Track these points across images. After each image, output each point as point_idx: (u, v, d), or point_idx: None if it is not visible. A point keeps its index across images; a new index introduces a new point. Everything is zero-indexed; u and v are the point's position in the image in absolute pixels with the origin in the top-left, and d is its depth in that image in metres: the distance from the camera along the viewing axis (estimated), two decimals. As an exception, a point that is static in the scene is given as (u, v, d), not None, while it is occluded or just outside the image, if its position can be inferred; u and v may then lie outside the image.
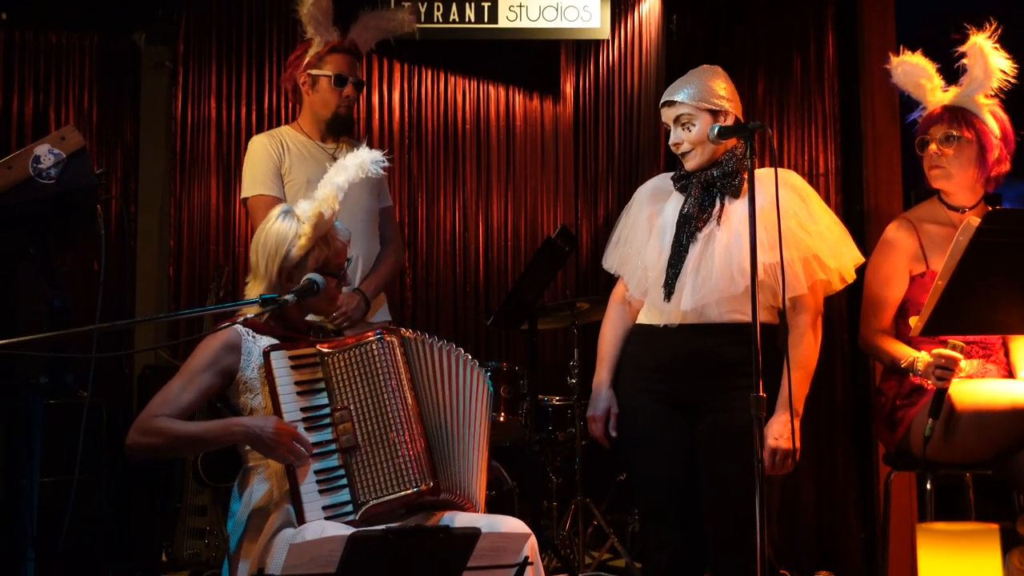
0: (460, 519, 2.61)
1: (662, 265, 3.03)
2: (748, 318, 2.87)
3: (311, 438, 2.53)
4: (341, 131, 3.82)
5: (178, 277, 5.56)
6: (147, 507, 4.64)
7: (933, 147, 3.31)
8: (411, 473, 2.53)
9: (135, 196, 5.54)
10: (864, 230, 4.62)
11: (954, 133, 3.27)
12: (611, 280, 3.38)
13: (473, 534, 2.12)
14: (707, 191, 3.04)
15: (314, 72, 3.77)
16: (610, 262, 3.25)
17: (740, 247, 2.93)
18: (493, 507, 4.44)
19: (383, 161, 2.81)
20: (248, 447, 2.64)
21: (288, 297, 2.64)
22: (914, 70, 3.38)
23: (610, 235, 3.28)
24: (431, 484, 2.55)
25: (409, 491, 2.52)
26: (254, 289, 2.77)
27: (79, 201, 2.56)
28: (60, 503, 2.70)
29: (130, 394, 5.14)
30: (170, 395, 2.60)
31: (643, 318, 3.12)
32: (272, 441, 2.48)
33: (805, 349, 2.93)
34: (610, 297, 3.29)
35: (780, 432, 2.92)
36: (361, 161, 2.77)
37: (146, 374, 5.11)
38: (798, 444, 2.84)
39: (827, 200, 4.76)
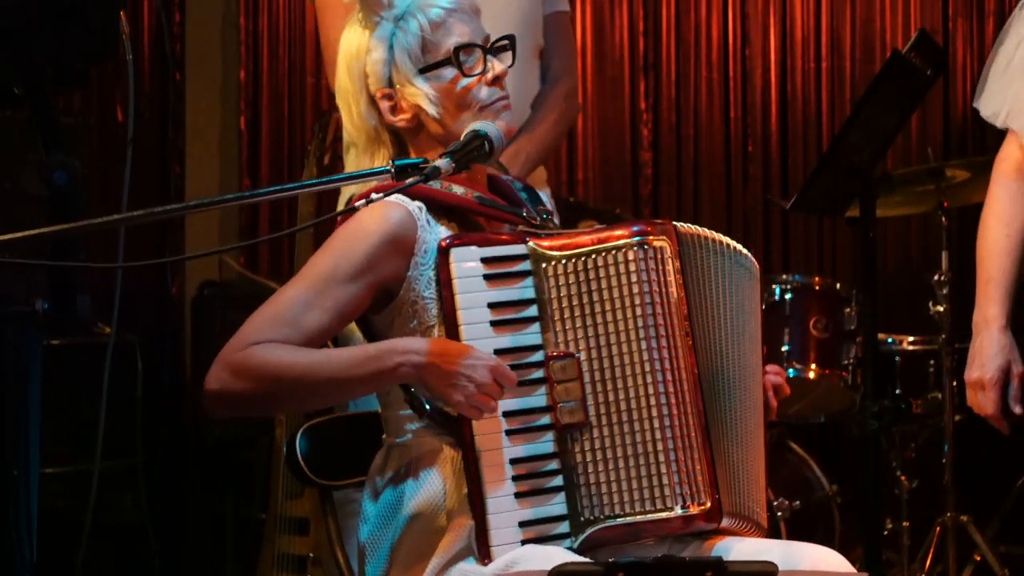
0: (732, 547, 2.63)
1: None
2: None
3: (508, 404, 2.54)
4: None
5: (255, 131, 5.69)
6: (213, 516, 4.83)
7: None
8: (676, 481, 2.55)
9: (181, -5, 5.69)
10: None
11: None
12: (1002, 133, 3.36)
13: (767, 572, 2.15)
14: None
15: None
16: (993, 104, 3.27)
17: None
18: (796, 526, 4.47)
19: None
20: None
21: (440, 163, 2.62)
22: None
23: (991, 53, 3.30)
24: (707, 504, 2.56)
25: (671, 513, 2.53)
26: (358, 158, 2.77)
27: (90, 2, 2.62)
28: (75, 507, 2.82)
29: (180, 328, 5.34)
30: (284, 310, 2.56)
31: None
32: (459, 371, 2.46)
33: None
34: (994, 166, 3.31)
35: None
36: None
37: (205, 296, 5.28)
38: None
39: None
